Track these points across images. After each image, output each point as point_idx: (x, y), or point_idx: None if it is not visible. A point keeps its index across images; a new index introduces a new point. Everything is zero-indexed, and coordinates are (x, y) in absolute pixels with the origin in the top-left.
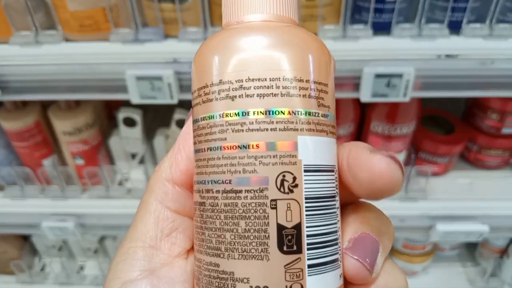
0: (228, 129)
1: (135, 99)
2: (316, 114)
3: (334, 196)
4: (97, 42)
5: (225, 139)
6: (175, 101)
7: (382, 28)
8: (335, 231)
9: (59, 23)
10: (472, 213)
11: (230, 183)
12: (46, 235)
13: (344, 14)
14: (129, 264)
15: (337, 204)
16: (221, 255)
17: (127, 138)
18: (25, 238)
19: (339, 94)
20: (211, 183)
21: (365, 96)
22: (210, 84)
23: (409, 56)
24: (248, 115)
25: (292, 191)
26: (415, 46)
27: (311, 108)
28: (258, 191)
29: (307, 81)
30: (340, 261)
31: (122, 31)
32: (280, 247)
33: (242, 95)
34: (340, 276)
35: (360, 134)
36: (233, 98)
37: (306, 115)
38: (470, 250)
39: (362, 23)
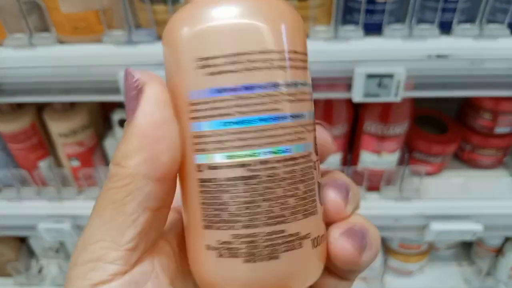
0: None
1: None
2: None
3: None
4: (90, 44)
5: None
6: None
7: (373, 29)
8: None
9: (52, 25)
10: (466, 212)
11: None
12: (42, 236)
13: (336, 15)
14: None
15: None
16: (285, 221)
17: None
18: (22, 240)
19: (331, 95)
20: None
21: (357, 96)
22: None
23: (400, 57)
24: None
25: None
26: (406, 47)
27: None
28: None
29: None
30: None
31: (115, 33)
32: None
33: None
34: None
35: (353, 134)
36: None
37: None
38: (466, 249)
39: (353, 24)
